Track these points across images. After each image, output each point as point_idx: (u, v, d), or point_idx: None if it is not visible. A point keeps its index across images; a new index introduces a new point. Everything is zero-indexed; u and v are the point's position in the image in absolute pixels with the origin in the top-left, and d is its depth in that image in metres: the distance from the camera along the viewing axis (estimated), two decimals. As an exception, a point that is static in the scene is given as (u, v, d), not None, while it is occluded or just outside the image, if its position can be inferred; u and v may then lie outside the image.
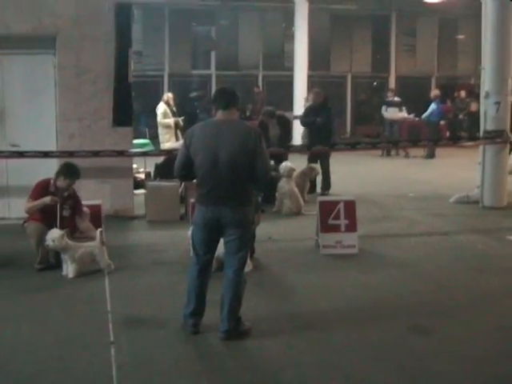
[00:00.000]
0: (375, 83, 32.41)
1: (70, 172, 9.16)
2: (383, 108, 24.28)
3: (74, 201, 9.31)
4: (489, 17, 13.28)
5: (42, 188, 9.17)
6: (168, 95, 18.43)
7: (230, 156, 6.35)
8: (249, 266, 8.82)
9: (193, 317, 6.66)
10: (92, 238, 9.01)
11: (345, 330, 6.82)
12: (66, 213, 9.11)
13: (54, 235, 8.49)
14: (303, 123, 16.05)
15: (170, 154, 13.56)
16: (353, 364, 6.01)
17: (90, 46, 11.97)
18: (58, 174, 9.18)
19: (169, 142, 17.07)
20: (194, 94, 27.22)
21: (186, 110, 23.61)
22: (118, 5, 11.98)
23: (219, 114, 6.57)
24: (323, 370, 5.89)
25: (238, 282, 6.58)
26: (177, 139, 17.05)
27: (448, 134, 25.09)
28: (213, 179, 6.40)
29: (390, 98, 24.58)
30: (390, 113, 23.95)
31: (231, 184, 6.40)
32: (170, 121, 17.38)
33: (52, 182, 9.18)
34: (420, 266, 9.34)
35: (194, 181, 6.82)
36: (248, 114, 27.03)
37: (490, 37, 13.30)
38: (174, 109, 17.97)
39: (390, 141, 19.62)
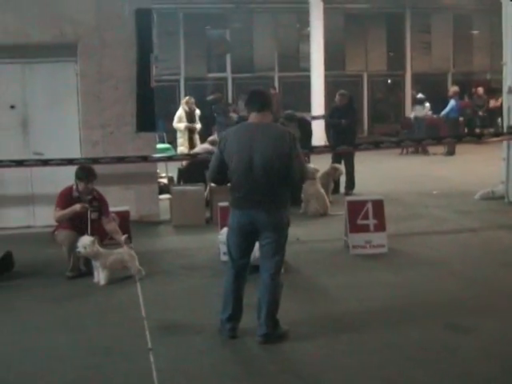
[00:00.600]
0: (389, 81, 32.31)
1: (84, 175, 9.18)
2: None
3: (98, 202, 9.32)
4: (509, 11, 13.21)
5: (66, 195, 9.20)
6: (186, 99, 18.33)
7: (265, 159, 6.29)
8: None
9: (230, 321, 6.62)
10: (119, 242, 9.04)
11: (381, 330, 6.77)
12: (93, 215, 9.12)
13: (85, 242, 8.49)
14: (328, 124, 16.10)
15: (194, 158, 13.56)
16: (393, 365, 5.95)
17: (111, 53, 11.99)
18: (76, 178, 9.23)
19: (182, 146, 17.06)
20: (210, 97, 27.24)
21: (203, 114, 23.66)
22: (139, 10, 11.98)
23: (253, 117, 6.51)
24: (364, 371, 5.84)
25: (275, 285, 6.54)
26: (191, 144, 16.99)
27: (466, 130, 25.01)
28: (248, 183, 6.36)
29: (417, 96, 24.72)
30: (417, 110, 24.01)
31: (266, 187, 6.35)
32: (181, 125, 17.30)
33: (74, 187, 9.21)
34: (450, 263, 9.28)
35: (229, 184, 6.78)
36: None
37: (510, 31, 13.22)
38: (197, 112, 17.76)
39: (414, 139, 19.50)
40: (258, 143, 6.33)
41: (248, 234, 6.52)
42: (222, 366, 6.02)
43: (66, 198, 9.15)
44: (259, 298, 6.56)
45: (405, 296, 7.85)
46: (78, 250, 8.54)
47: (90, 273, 8.85)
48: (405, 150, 22.76)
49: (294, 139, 6.43)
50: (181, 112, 17.51)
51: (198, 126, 17.62)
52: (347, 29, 30.70)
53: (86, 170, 9.32)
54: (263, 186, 6.34)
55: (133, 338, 6.74)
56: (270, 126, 6.57)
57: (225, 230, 8.93)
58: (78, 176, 9.18)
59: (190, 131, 17.36)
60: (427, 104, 24.60)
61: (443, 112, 23.30)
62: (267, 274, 6.53)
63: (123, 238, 8.99)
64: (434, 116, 24.83)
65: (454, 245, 10.30)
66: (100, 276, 8.62)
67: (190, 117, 17.51)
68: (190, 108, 17.65)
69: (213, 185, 12.54)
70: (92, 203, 9.19)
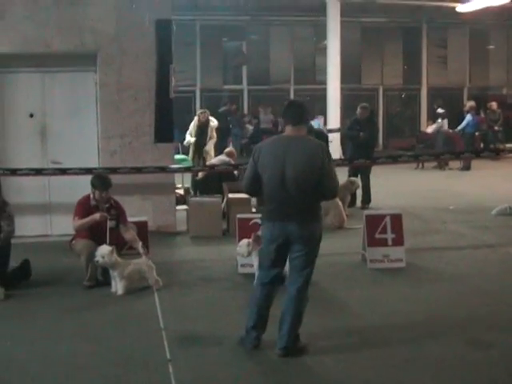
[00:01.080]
0: (403, 95, 32.28)
1: (99, 183, 9.23)
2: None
3: (116, 211, 9.35)
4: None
5: (84, 204, 9.23)
6: (198, 112, 18.15)
7: (297, 173, 6.29)
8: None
9: (255, 330, 6.62)
10: (138, 250, 9.05)
11: (402, 345, 6.73)
12: (111, 224, 9.14)
13: (104, 251, 8.49)
14: (346, 136, 16.10)
15: (211, 169, 13.56)
16: (413, 381, 5.91)
17: (130, 63, 12.02)
18: (91, 187, 9.27)
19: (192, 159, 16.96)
20: (222, 109, 27.34)
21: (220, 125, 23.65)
22: (158, 21, 12.01)
23: (288, 130, 6.53)
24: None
25: (301, 299, 6.52)
26: (198, 158, 16.86)
27: (482, 145, 24.97)
28: (280, 195, 6.35)
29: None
30: (437, 124, 24.15)
31: (298, 200, 6.34)
32: (188, 139, 17.30)
33: (91, 196, 9.24)
34: (469, 279, 9.23)
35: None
36: (280, 128, 27.00)
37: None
38: (212, 124, 17.60)
39: (431, 153, 19.43)
40: (290, 156, 6.33)
41: (280, 246, 6.49)
42: (241, 378, 5.99)
43: (84, 207, 9.17)
44: (283, 310, 6.53)
45: (424, 311, 7.80)
46: (96, 259, 8.54)
47: (107, 283, 8.84)
48: (420, 165, 22.70)
49: (327, 153, 6.44)
50: (192, 125, 17.38)
51: (211, 142, 17.38)
52: (364, 42, 30.72)
53: (100, 179, 9.38)
54: (295, 199, 6.34)
55: (151, 349, 6.72)
56: (304, 139, 6.56)
57: (243, 242, 8.95)
58: (94, 184, 9.23)
59: (198, 145, 17.17)
60: (445, 119, 24.66)
61: (459, 127, 23.26)
62: (294, 286, 6.51)
63: (140, 245, 8.99)
64: (450, 131, 24.77)
65: (472, 260, 10.25)
66: (118, 286, 8.61)
67: (201, 130, 17.28)
68: (201, 121, 17.43)
69: (231, 196, 12.57)
70: (110, 211, 9.22)
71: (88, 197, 9.29)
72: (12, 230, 9.03)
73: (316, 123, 22.59)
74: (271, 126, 27.74)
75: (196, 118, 17.41)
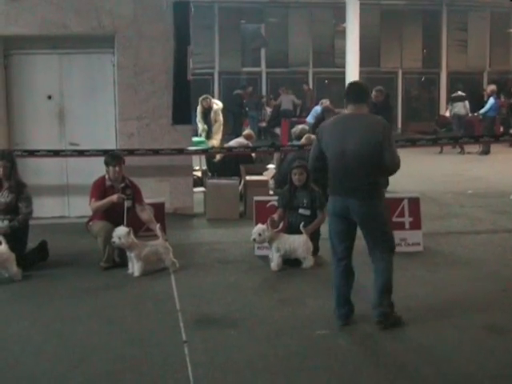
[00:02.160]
0: (423, 79, 32.09)
1: (111, 158, 9.28)
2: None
3: (132, 190, 9.35)
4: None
5: (100, 185, 9.25)
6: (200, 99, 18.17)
7: (357, 148, 6.44)
8: (310, 262, 8.81)
9: (343, 307, 6.76)
10: (154, 231, 9.06)
11: (417, 329, 6.68)
12: (127, 204, 9.12)
13: (121, 233, 8.51)
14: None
15: (229, 152, 13.55)
16: (428, 365, 5.86)
17: (148, 45, 12.01)
18: (105, 166, 9.29)
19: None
20: (237, 92, 27.30)
21: (231, 109, 23.66)
22: (176, 3, 11.98)
23: (349, 109, 6.67)
24: (400, 372, 5.76)
25: (387, 269, 6.69)
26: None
27: (502, 129, 24.79)
28: (341, 171, 6.52)
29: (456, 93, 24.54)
30: (457, 108, 23.89)
31: (358, 176, 6.48)
32: (202, 127, 17.46)
33: (106, 176, 9.27)
34: (487, 264, 9.17)
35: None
36: (298, 112, 26.96)
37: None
38: (215, 107, 17.62)
39: (451, 137, 19.31)
40: (350, 132, 6.49)
41: (344, 220, 6.62)
42: (257, 361, 5.97)
43: (100, 188, 9.20)
44: (375, 281, 6.70)
45: (441, 295, 7.76)
46: (112, 240, 8.56)
47: (124, 264, 8.87)
48: (440, 149, 22.53)
49: (387, 129, 6.56)
50: (198, 112, 17.53)
51: (217, 124, 17.54)
52: (383, 25, 30.53)
53: (112, 155, 9.51)
54: (355, 175, 6.49)
55: (167, 331, 6.73)
56: (364, 116, 6.72)
57: (259, 227, 8.97)
58: (106, 161, 9.26)
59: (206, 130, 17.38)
60: (466, 102, 24.45)
61: (482, 110, 23.09)
62: (381, 260, 6.69)
63: (157, 226, 9.00)
64: (470, 114, 24.61)
65: (490, 245, 10.17)
66: (134, 267, 8.63)
67: (205, 115, 17.43)
68: (204, 106, 17.57)
69: (248, 178, 12.56)
70: (125, 191, 9.22)
71: (103, 178, 9.32)
72: (30, 211, 9.07)
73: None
74: (291, 108, 27.62)
75: (199, 105, 17.51)
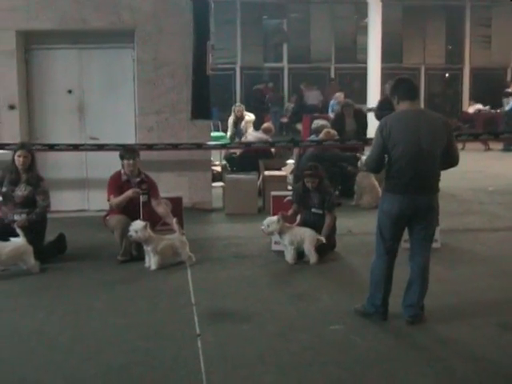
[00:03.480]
0: (447, 75, 31.90)
1: (125, 152, 9.35)
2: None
3: (147, 185, 9.39)
4: None
5: (116, 180, 9.33)
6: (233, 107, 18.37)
7: (431, 145, 6.46)
8: (313, 258, 8.82)
9: (384, 304, 6.79)
10: (171, 225, 9.12)
11: (432, 326, 6.67)
12: (142, 198, 9.18)
13: (137, 226, 8.56)
14: (378, 116, 15.84)
15: (248, 147, 13.56)
16: (441, 361, 5.85)
17: (168, 40, 12.06)
18: (120, 159, 9.36)
19: None
20: (257, 87, 27.32)
21: (252, 104, 23.65)
22: (196, -2, 12.02)
23: (407, 105, 6.61)
24: (412, 367, 5.74)
25: (428, 269, 6.76)
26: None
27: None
28: (414, 169, 6.47)
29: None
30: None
31: (430, 172, 6.55)
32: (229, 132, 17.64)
33: (122, 171, 9.34)
34: (504, 261, 9.10)
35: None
36: (320, 106, 26.89)
37: None
38: (247, 118, 17.71)
39: (471, 133, 19.19)
40: (423, 129, 6.48)
41: (403, 219, 6.63)
42: (269, 355, 5.98)
43: (116, 183, 9.27)
44: (411, 280, 6.75)
45: (457, 292, 7.74)
46: (129, 234, 8.61)
47: (141, 257, 8.92)
48: (463, 145, 22.33)
49: (449, 124, 6.68)
50: (230, 119, 17.73)
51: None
52: (405, 21, 30.32)
53: (126, 148, 9.56)
54: (428, 172, 6.54)
55: (182, 324, 6.76)
56: (428, 112, 6.80)
57: (270, 219, 9.01)
58: (121, 155, 9.33)
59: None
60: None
61: (507, 107, 22.90)
62: (421, 257, 6.72)
63: (174, 221, 9.03)
64: (492, 111, 24.45)
65: (508, 242, 10.13)
66: (151, 261, 8.68)
67: (236, 124, 17.56)
68: (236, 115, 17.70)
69: (267, 173, 12.56)
70: (141, 186, 9.26)
71: (119, 172, 9.38)
72: (47, 204, 9.14)
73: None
74: (317, 103, 27.55)
75: (232, 113, 17.69)
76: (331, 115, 20.90)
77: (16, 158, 9.00)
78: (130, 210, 9.08)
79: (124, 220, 8.95)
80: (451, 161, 6.67)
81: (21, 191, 9.01)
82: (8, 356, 6.04)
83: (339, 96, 22.23)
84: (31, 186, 9.04)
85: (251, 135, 15.13)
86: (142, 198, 9.13)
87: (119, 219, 9.03)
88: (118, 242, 9.02)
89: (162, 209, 9.36)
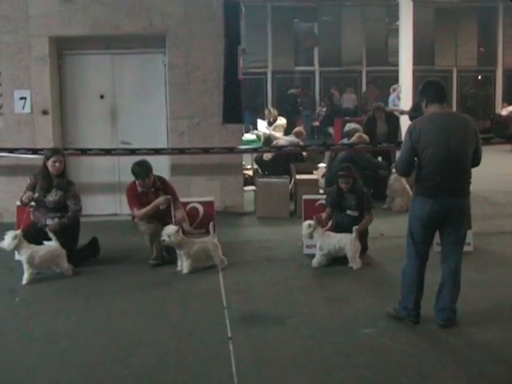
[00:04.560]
0: (479, 77, 31.68)
1: (139, 170, 9.16)
2: None
3: (164, 191, 9.33)
4: None
5: (134, 193, 9.29)
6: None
7: (460, 147, 6.46)
8: (357, 264, 8.78)
9: (416, 308, 6.76)
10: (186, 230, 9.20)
11: (464, 329, 6.62)
12: (162, 207, 9.19)
13: (170, 231, 8.59)
14: (412, 119, 15.78)
15: (280, 150, 13.57)
16: (474, 365, 5.80)
17: (199, 44, 12.11)
18: (133, 176, 9.30)
19: None
20: (292, 91, 27.30)
21: (285, 108, 23.63)
22: (227, 2, 12.04)
23: (436, 108, 6.60)
24: (445, 370, 5.70)
25: (460, 271, 6.74)
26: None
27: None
28: (445, 171, 6.46)
29: None
30: None
31: (461, 174, 6.54)
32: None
33: (137, 182, 9.25)
34: (538, 264, 9.05)
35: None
36: (353, 109, 26.85)
37: None
38: (278, 122, 17.73)
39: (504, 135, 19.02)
40: (452, 131, 6.48)
41: (434, 222, 6.62)
42: (301, 358, 5.98)
43: (135, 195, 9.26)
44: (443, 282, 6.73)
45: (489, 295, 7.68)
46: (162, 238, 8.64)
47: (172, 261, 8.99)
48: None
49: (475, 125, 6.66)
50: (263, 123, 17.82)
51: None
52: (437, 23, 30.20)
53: (139, 166, 9.27)
54: (458, 174, 6.53)
55: (213, 327, 6.78)
56: (456, 114, 6.94)
57: (304, 223, 9.00)
58: (134, 173, 9.21)
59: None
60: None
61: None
62: (454, 259, 6.71)
63: (210, 225, 9.08)
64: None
65: (543, 246, 10.04)
66: (183, 265, 8.71)
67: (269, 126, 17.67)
68: (268, 117, 17.78)
69: (298, 177, 12.56)
70: (158, 194, 9.25)
71: (134, 184, 9.32)
72: (79, 208, 9.20)
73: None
74: (352, 107, 27.51)
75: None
76: (397, 109, 20.87)
77: (51, 163, 9.04)
78: (157, 214, 9.14)
79: (153, 226, 9.01)
80: (474, 162, 6.64)
81: (52, 197, 9.08)
82: (41, 358, 6.10)
83: (398, 89, 22.20)
84: (62, 191, 9.10)
85: (283, 139, 15.15)
86: (161, 206, 9.16)
87: (148, 225, 9.08)
88: (149, 246, 9.07)
89: (179, 214, 9.28)
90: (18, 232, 8.50)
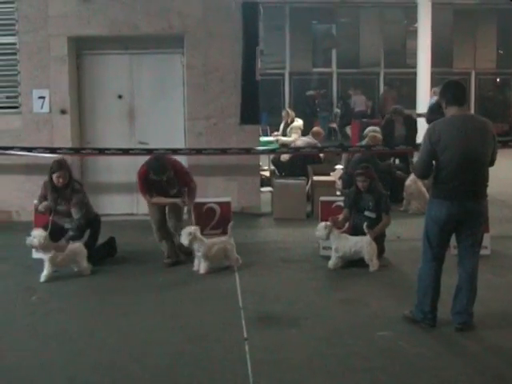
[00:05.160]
0: (498, 80, 31.52)
1: (155, 168, 9.06)
2: None
3: (177, 177, 9.29)
4: None
5: (145, 180, 9.18)
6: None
7: (480, 150, 6.46)
8: (374, 266, 8.76)
9: (433, 311, 6.75)
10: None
11: (482, 333, 6.60)
12: (172, 192, 9.24)
13: (190, 230, 8.61)
14: (428, 121, 15.71)
15: (297, 151, 13.56)
16: (492, 369, 5.78)
17: (217, 45, 12.13)
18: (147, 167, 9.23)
19: None
20: (310, 93, 27.27)
21: (303, 109, 23.59)
22: (245, 4, 12.04)
23: (455, 110, 6.57)
24: (462, 376, 5.68)
25: (477, 274, 6.72)
26: None
27: None
28: (463, 174, 6.45)
29: None
30: None
31: (479, 177, 6.54)
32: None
33: (146, 167, 9.19)
34: (556, 268, 9.00)
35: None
36: (369, 112, 26.78)
37: None
38: (294, 124, 17.68)
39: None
40: (472, 134, 6.47)
41: (451, 225, 6.61)
42: (316, 360, 5.98)
43: (148, 182, 9.17)
44: (460, 286, 6.71)
45: (507, 299, 7.66)
46: (181, 240, 8.66)
47: (189, 260, 9.02)
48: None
49: (493, 129, 6.65)
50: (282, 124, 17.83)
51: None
52: (456, 25, 30.05)
53: (158, 162, 9.21)
54: (477, 176, 6.52)
55: (229, 327, 6.79)
56: (475, 117, 6.79)
57: (320, 225, 9.00)
58: (151, 167, 9.13)
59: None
60: None
61: None
62: (470, 262, 6.71)
63: (229, 226, 9.09)
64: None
65: (561, 249, 9.98)
66: (200, 265, 8.72)
67: (284, 130, 17.61)
68: (285, 119, 17.76)
69: (316, 178, 12.55)
70: (170, 183, 9.22)
71: (145, 170, 9.19)
72: (81, 215, 9.11)
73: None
74: (365, 109, 27.45)
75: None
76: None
77: (55, 178, 9.09)
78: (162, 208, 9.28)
79: (160, 224, 9.22)
80: (493, 163, 6.67)
81: (61, 206, 9.19)
82: (57, 356, 6.13)
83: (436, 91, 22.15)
84: (67, 199, 9.17)
85: (300, 140, 15.13)
86: (171, 192, 9.23)
87: (158, 226, 9.24)
88: (159, 245, 9.25)
89: (189, 200, 9.39)
90: (46, 233, 8.64)
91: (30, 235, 8.59)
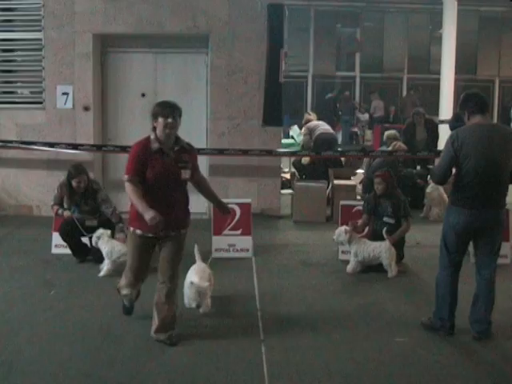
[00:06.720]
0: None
1: (164, 110, 6.74)
2: None
3: (189, 156, 6.57)
4: None
5: (143, 150, 6.37)
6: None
7: (502, 160, 6.44)
8: (393, 271, 8.73)
9: (451, 319, 6.74)
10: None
11: (499, 341, 6.59)
12: (184, 175, 6.43)
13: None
14: (452, 128, 15.64)
15: (318, 155, 13.54)
16: (511, 379, 5.77)
17: (241, 46, 12.15)
18: (154, 118, 6.63)
19: None
20: (329, 96, 27.25)
21: (325, 112, 23.55)
22: (271, 5, 12.04)
23: (478, 119, 6.55)
24: (479, 383, 5.68)
25: (494, 282, 6.72)
26: None
27: None
28: (484, 183, 6.43)
29: None
30: None
31: (499, 187, 6.52)
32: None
33: (152, 137, 6.46)
34: None
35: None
36: (391, 118, 26.74)
37: None
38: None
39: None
40: (495, 144, 6.44)
41: (469, 233, 6.61)
42: (332, 364, 5.96)
43: (143, 155, 6.36)
44: (478, 293, 6.71)
45: (526, 309, 7.61)
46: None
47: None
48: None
49: None
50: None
51: None
52: (481, 32, 29.91)
53: (170, 104, 6.93)
54: (497, 185, 6.51)
55: (246, 329, 6.79)
56: (499, 127, 6.82)
57: (339, 229, 8.98)
58: (157, 112, 6.79)
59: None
60: None
61: None
62: (489, 270, 6.72)
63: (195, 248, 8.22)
64: None
65: None
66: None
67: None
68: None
69: (336, 182, 12.52)
70: (180, 157, 6.49)
71: (147, 139, 6.48)
72: (113, 207, 9.27)
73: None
74: (384, 114, 27.43)
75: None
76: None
77: (75, 183, 9.17)
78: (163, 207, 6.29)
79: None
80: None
81: (83, 207, 9.30)
82: (75, 352, 6.15)
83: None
84: (91, 201, 9.28)
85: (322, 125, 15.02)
86: (183, 174, 6.43)
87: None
88: None
89: (206, 185, 7.03)
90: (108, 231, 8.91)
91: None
